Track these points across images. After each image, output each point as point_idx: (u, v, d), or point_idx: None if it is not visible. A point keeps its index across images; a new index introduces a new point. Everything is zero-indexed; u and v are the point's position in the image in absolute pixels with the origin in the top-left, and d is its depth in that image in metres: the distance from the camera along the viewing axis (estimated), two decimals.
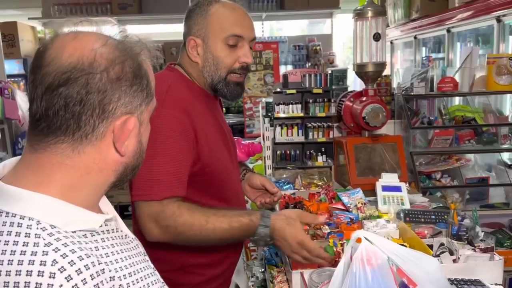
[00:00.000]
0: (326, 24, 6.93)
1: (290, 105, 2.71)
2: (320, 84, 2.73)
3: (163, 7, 5.88)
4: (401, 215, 1.78)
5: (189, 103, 1.26)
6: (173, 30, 6.40)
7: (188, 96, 1.29)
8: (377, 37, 2.23)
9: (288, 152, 2.79)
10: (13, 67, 5.89)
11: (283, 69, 5.96)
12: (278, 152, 2.79)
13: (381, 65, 2.28)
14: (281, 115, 2.72)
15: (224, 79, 1.32)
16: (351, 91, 2.67)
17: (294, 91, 2.72)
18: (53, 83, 0.64)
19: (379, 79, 2.64)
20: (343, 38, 8.55)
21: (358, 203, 2.02)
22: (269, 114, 2.83)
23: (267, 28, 6.67)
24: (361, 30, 2.26)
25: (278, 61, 5.25)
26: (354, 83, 4.01)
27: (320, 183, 2.52)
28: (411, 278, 0.90)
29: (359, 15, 2.27)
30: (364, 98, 2.36)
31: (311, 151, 2.75)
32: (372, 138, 2.37)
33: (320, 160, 2.68)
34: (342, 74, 3.07)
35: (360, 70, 2.30)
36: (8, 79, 6.20)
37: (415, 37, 4.52)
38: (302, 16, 6.60)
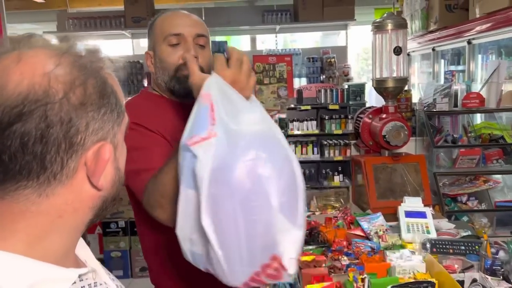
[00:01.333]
0: (340, 36, 6.81)
1: (305, 122, 2.58)
2: (337, 100, 2.59)
3: None
4: (427, 245, 1.63)
5: (142, 112, 1.27)
6: None
7: (144, 106, 1.32)
8: (398, 51, 2.09)
9: (302, 171, 2.65)
10: None
11: (297, 82, 5.84)
12: None
13: (402, 81, 2.14)
14: (296, 132, 2.58)
15: (174, 76, 1.29)
16: (369, 107, 2.53)
17: (309, 107, 2.59)
18: (2, 121, 0.52)
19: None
20: (357, 49, 8.40)
21: (379, 230, 1.87)
22: (283, 131, 2.70)
23: (281, 40, 6.57)
24: (381, 44, 2.13)
25: (292, 74, 5.13)
26: (369, 95, 3.87)
27: (337, 205, 2.38)
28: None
29: (379, 27, 2.14)
30: (384, 115, 2.22)
31: (327, 170, 2.61)
32: (393, 157, 2.23)
33: (337, 180, 2.54)
34: (360, 89, 2.93)
35: (380, 86, 2.17)
36: None
37: (433, 49, 4.37)
38: (316, 28, 6.49)
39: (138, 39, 6.32)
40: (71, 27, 6.01)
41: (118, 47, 6.77)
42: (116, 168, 0.64)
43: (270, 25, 5.85)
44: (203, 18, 5.99)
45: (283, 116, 2.74)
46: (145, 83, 5.79)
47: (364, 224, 1.92)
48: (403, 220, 1.82)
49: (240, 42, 6.80)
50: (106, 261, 3.99)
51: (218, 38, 6.16)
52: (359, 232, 1.91)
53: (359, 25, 6.52)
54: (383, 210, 2.09)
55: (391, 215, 2.05)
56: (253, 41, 6.55)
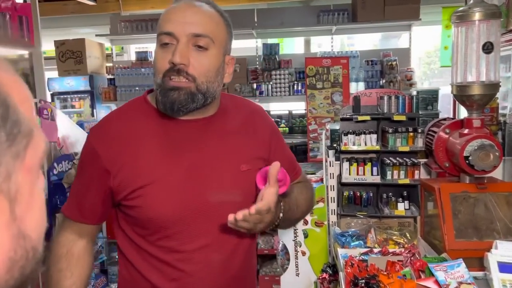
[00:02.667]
0: (401, 38, 6.28)
1: (363, 135, 2.13)
2: (403, 109, 2.13)
3: None
4: None
5: (119, 134, 1.08)
6: (238, 46, 6.07)
7: (131, 125, 1.10)
8: (488, 48, 1.61)
9: (358, 194, 2.20)
10: (79, 83, 5.93)
11: (353, 87, 5.36)
12: (345, 194, 2.22)
13: (493, 87, 1.66)
14: (351, 147, 2.14)
15: (161, 85, 1.05)
16: (444, 119, 2.05)
17: (368, 117, 2.14)
18: None
19: None
20: (420, 52, 7.83)
21: (461, 284, 1.41)
22: (335, 145, 2.27)
23: (337, 42, 6.12)
24: (465, 39, 1.66)
25: (348, 78, 4.66)
26: (440, 102, 3.34)
27: (401, 241, 1.92)
28: None
29: (462, 18, 1.67)
30: (466, 131, 1.74)
31: (389, 195, 2.15)
32: (477, 185, 1.74)
33: (401, 207, 2.07)
34: (432, 96, 2.44)
35: (462, 93, 1.69)
36: (74, 95, 6.25)
37: None
38: (376, 29, 5.98)
39: None
40: (123, 30, 5.96)
41: None
42: (16, 236, 0.43)
43: (326, 26, 5.43)
44: (255, 19, 5.69)
45: (336, 127, 2.30)
46: None
47: (440, 274, 1.47)
48: (496, 276, 1.35)
49: (293, 44, 6.41)
50: None
51: (271, 41, 5.82)
52: (432, 285, 1.46)
53: (424, 26, 5.98)
54: (463, 253, 1.63)
55: (475, 260, 1.59)
56: (307, 43, 6.15)
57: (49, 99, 5.94)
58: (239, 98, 1.26)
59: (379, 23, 5.36)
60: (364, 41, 7.00)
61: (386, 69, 5.37)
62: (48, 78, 6.03)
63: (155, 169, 1.05)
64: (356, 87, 5.42)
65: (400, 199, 2.10)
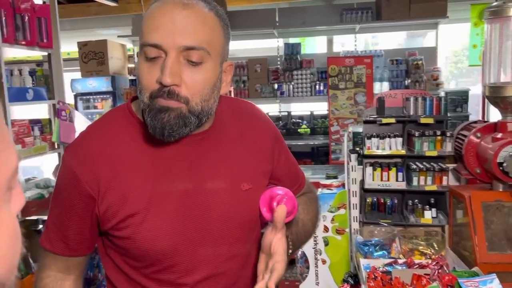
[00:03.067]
0: (427, 37, 6.09)
1: (387, 139, 2.03)
2: (430, 111, 2.01)
3: (248, 23, 5.51)
4: None
5: (101, 154, 0.91)
6: (259, 46, 6.00)
7: (114, 142, 0.93)
8: None
9: (382, 201, 2.09)
10: (101, 84, 5.97)
11: (378, 87, 5.23)
12: (368, 200, 2.11)
13: None
14: (374, 151, 2.04)
15: (148, 105, 0.88)
16: (475, 122, 1.92)
17: (392, 120, 2.03)
18: None
19: None
20: (447, 51, 7.61)
21: None
22: (358, 148, 2.17)
23: (361, 42, 5.97)
24: (499, 36, 1.54)
25: (372, 78, 4.54)
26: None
27: (428, 251, 1.81)
28: None
29: (496, 13, 1.55)
30: (499, 135, 1.62)
31: (415, 202, 2.04)
32: None
33: (428, 215, 1.96)
34: (461, 97, 2.29)
35: (495, 94, 1.57)
36: (96, 96, 6.30)
37: None
38: (402, 28, 5.82)
39: None
40: None
41: None
42: None
43: (349, 25, 5.30)
44: (277, 19, 5.62)
45: (359, 129, 2.20)
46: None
47: None
48: None
49: (315, 44, 6.30)
50: None
51: (292, 40, 5.73)
52: None
53: (452, 23, 5.77)
54: (496, 267, 1.52)
55: (510, 275, 1.47)
56: (330, 42, 6.03)
57: (72, 100, 6.00)
58: (235, 100, 1.11)
59: (405, 21, 5.20)
60: (389, 40, 6.83)
61: (411, 69, 5.22)
62: (71, 79, 6.10)
63: (146, 194, 0.91)
64: (380, 87, 5.29)
65: (427, 206, 1.99)
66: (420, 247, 1.82)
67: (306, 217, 1.08)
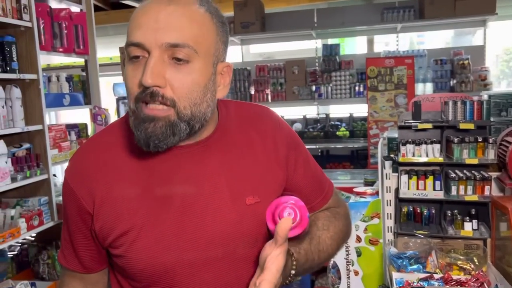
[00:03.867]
0: (476, 35, 5.78)
1: (423, 145, 1.91)
2: (471, 116, 1.88)
3: (286, 24, 5.46)
4: None
5: (95, 169, 0.87)
6: (296, 47, 5.92)
7: (108, 156, 0.88)
8: None
9: (418, 211, 1.98)
10: None
11: (420, 88, 5.03)
12: (403, 210, 2.00)
13: None
14: (410, 158, 1.93)
15: (134, 112, 0.81)
16: None
17: (429, 125, 1.92)
18: None
19: None
20: (497, 49, 7.24)
21: None
22: (392, 155, 2.06)
23: (405, 41, 5.77)
24: None
25: (413, 79, 4.36)
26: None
27: (468, 267, 1.68)
28: None
29: None
30: None
31: (454, 213, 1.91)
32: None
33: (468, 228, 1.83)
34: (507, 100, 2.12)
35: None
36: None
37: None
38: (447, 26, 5.57)
39: (248, 45, 6.08)
40: None
41: (227, 54, 6.62)
42: None
43: (390, 24, 5.13)
44: (315, 20, 5.53)
45: (395, 135, 2.10)
46: (252, 91, 5.51)
47: None
48: None
49: (355, 44, 6.15)
50: None
51: (331, 41, 5.62)
52: None
53: (502, 20, 5.48)
54: None
55: None
56: (370, 42, 5.86)
57: (114, 103, 6.18)
58: (246, 105, 1.00)
59: (450, 19, 4.96)
60: (435, 38, 6.55)
61: (457, 69, 4.98)
62: (113, 84, 6.28)
63: (140, 210, 0.84)
64: (423, 89, 5.08)
65: (467, 218, 1.86)
66: (459, 262, 1.70)
67: (324, 234, 0.95)
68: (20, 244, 2.87)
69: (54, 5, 2.74)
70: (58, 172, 3.22)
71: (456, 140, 1.86)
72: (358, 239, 2.09)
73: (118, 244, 0.85)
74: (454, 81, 4.97)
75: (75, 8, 2.89)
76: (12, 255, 2.79)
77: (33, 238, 2.88)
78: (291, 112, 5.52)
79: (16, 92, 2.42)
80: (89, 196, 0.86)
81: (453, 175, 1.87)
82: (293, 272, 0.83)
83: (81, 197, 0.86)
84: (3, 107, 2.34)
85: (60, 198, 2.68)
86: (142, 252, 0.84)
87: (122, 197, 0.85)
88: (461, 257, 1.70)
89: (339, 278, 2.18)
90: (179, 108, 0.79)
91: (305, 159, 1.00)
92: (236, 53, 6.29)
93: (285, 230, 0.77)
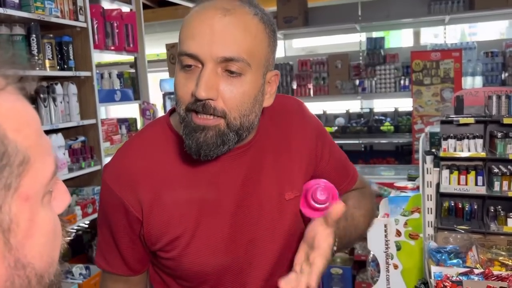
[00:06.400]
0: None
1: (465, 140, 1.90)
2: None
3: (329, 18, 5.43)
4: None
5: (140, 176, 0.87)
6: (339, 41, 5.88)
7: (153, 162, 0.89)
8: None
9: (460, 206, 1.96)
10: None
11: (469, 82, 4.87)
12: (444, 205, 1.99)
13: None
14: (451, 153, 1.92)
15: (184, 119, 0.83)
16: None
17: (471, 120, 1.90)
18: None
19: None
20: None
21: None
22: (433, 150, 2.05)
23: (456, 32, 5.59)
24: None
25: (460, 73, 4.24)
26: None
27: (509, 263, 1.66)
28: None
29: None
30: None
31: (497, 208, 1.88)
32: None
33: (511, 224, 1.80)
34: None
35: None
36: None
37: None
38: (498, 17, 5.33)
39: (291, 39, 6.10)
40: None
41: None
42: (13, 266, 0.43)
43: (437, 16, 4.99)
44: (359, 13, 5.46)
45: (437, 129, 2.09)
46: (294, 86, 5.54)
47: None
48: None
49: (400, 37, 6.02)
50: None
51: (375, 34, 5.54)
52: None
53: None
54: None
55: None
56: (417, 35, 5.72)
57: (161, 98, 6.41)
58: (276, 98, 0.95)
59: (502, 9, 4.75)
60: (487, 30, 6.28)
61: (509, 61, 4.78)
62: (160, 79, 6.48)
63: (192, 214, 0.87)
64: (472, 82, 4.92)
65: (511, 214, 1.83)
66: (501, 258, 1.68)
67: (357, 212, 1.01)
68: (75, 230, 3.08)
69: (106, 5, 2.91)
70: None
71: (499, 135, 1.83)
72: (398, 233, 2.10)
73: (169, 248, 0.88)
74: (506, 74, 4.77)
75: (125, 8, 3.05)
76: (68, 240, 3.00)
77: (87, 225, 3.08)
78: (334, 107, 5.50)
79: (73, 88, 2.59)
80: (137, 202, 0.87)
81: (496, 170, 1.84)
82: (335, 248, 0.87)
83: (129, 204, 0.87)
84: (61, 102, 2.52)
85: None
86: (196, 255, 0.87)
87: (171, 202, 0.87)
88: (503, 253, 1.68)
89: (379, 272, 2.20)
90: (229, 119, 0.81)
91: (331, 146, 1.05)
92: (279, 48, 6.30)
93: (339, 212, 0.82)
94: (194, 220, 0.87)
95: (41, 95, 2.40)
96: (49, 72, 2.46)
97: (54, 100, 2.47)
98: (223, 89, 0.79)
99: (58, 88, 2.51)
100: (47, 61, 2.44)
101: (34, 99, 2.38)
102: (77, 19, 2.56)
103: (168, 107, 6.31)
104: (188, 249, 0.87)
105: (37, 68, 2.35)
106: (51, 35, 2.48)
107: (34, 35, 2.32)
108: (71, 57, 2.57)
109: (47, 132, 2.46)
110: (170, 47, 6.45)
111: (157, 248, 0.89)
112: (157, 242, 0.88)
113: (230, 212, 0.90)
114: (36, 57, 2.34)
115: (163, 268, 0.94)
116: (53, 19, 2.39)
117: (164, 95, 6.35)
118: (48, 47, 2.44)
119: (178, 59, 0.82)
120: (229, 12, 0.79)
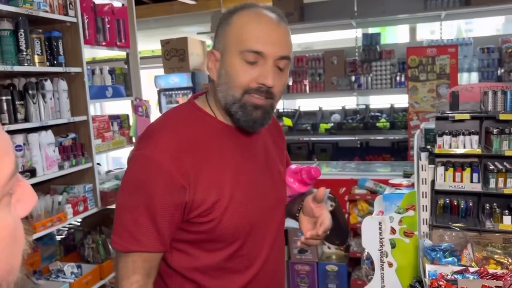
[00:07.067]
0: None
1: (461, 137, 1.87)
2: (511, 106, 1.81)
3: (325, 14, 5.39)
4: None
5: (183, 147, 1.05)
6: (335, 37, 5.85)
7: (191, 135, 1.09)
8: None
9: (455, 203, 1.93)
10: (183, 80, 6.22)
11: (465, 78, 4.86)
12: (440, 202, 1.96)
13: None
14: (446, 149, 1.89)
15: (240, 100, 1.07)
16: None
17: (467, 116, 1.87)
18: None
19: None
20: None
21: None
22: (428, 146, 2.02)
23: (452, 28, 5.57)
24: None
25: (456, 68, 4.21)
26: None
27: (505, 261, 1.64)
28: None
29: None
30: None
31: (493, 206, 1.85)
32: None
33: (507, 221, 1.77)
34: None
35: None
36: (178, 91, 6.60)
37: None
38: (495, 13, 5.33)
39: None
40: None
41: None
42: None
43: (433, 12, 4.96)
44: (355, 9, 5.42)
45: (432, 126, 2.06)
46: (290, 82, 5.50)
47: None
48: None
49: (396, 33, 6.00)
50: None
51: (371, 30, 5.51)
52: None
53: None
54: None
55: None
56: (413, 31, 5.70)
57: (156, 95, 6.35)
58: None
59: (498, 5, 4.74)
60: (484, 26, 6.26)
61: (505, 57, 4.76)
62: (155, 76, 6.42)
63: (227, 180, 1.07)
64: (468, 78, 4.90)
65: (507, 211, 1.80)
66: (496, 256, 1.65)
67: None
68: (67, 229, 3.04)
69: (97, 0, 2.86)
70: (102, 161, 3.37)
71: (495, 131, 1.80)
72: (393, 230, 2.07)
73: (210, 211, 1.05)
74: (502, 70, 4.76)
75: (117, 3, 3.00)
76: (60, 239, 2.97)
77: (79, 224, 3.04)
78: (330, 103, 5.47)
79: (63, 84, 2.55)
80: (184, 172, 1.01)
81: (492, 167, 1.81)
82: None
83: (177, 174, 1.00)
84: (51, 99, 2.48)
85: (104, 185, 2.81)
86: (233, 214, 1.07)
87: (212, 169, 1.05)
88: (499, 251, 1.65)
89: (373, 270, 2.17)
90: (274, 102, 1.11)
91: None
92: None
93: (324, 195, 1.17)
94: (231, 184, 1.07)
95: (30, 91, 2.35)
96: (38, 68, 2.41)
97: (44, 96, 2.42)
98: (276, 80, 1.06)
99: (48, 84, 2.46)
100: (36, 57, 2.39)
101: (23, 95, 2.33)
102: (67, 14, 2.51)
103: (164, 104, 6.27)
104: (228, 210, 1.06)
105: (26, 64, 2.30)
106: (40, 30, 2.43)
107: (22, 30, 2.27)
108: (61, 53, 2.52)
109: (37, 129, 2.41)
110: (165, 43, 6.40)
111: (196, 213, 1.04)
112: (198, 207, 1.04)
113: (258, 178, 1.15)
114: (25, 53, 2.29)
115: (197, 234, 1.07)
116: (42, 14, 2.34)
117: (159, 92, 6.31)
118: (37, 42, 2.39)
119: (238, 53, 1.04)
120: (280, 24, 1.07)
